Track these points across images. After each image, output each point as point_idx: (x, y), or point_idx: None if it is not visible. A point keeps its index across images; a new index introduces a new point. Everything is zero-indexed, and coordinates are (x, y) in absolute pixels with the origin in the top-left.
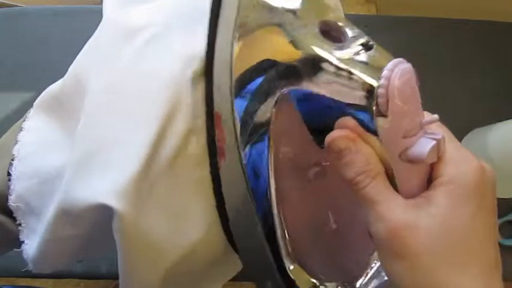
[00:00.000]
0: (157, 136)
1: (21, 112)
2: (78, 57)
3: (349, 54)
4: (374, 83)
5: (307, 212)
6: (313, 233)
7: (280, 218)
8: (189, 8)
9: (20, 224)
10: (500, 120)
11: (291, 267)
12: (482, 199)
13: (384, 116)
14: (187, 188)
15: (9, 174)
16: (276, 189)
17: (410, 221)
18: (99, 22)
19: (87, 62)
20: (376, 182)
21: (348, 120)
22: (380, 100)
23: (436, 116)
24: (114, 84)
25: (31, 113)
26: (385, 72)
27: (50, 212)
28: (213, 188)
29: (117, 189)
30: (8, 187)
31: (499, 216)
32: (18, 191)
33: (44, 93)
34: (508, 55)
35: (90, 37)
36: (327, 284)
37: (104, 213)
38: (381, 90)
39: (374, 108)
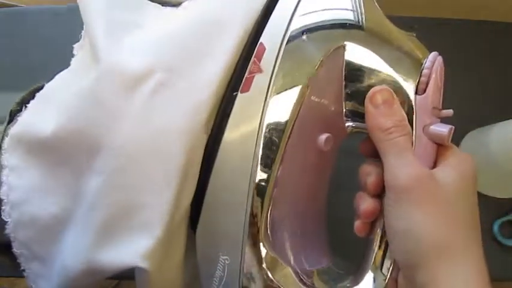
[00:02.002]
0: (177, 194)
1: None
2: (75, 107)
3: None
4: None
5: (300, 181)
6: (298, 206)
7: (276, 177)
8: (186, 43)
9: (24, 270)
10: (500, 120)
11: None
12: (476, 188)
13: (420, 93)
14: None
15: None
16: (287, 141)
17: (433, 174)
18: None
19: (91, 117)
20: (408, 137)
21: (387, 88)
22: (422, 79)
23: (451, 111)
24: (126, 145)
25: (6, 144)
26: (430, 58)
27: (71, 271)
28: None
29: (145, 252)
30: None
31: (499, 216)
32: (20, 238)
33: (24, 128)
34: (508, 55)
35: None
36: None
37: (128, 268)
38: (425, 71)
39: (415, 84)
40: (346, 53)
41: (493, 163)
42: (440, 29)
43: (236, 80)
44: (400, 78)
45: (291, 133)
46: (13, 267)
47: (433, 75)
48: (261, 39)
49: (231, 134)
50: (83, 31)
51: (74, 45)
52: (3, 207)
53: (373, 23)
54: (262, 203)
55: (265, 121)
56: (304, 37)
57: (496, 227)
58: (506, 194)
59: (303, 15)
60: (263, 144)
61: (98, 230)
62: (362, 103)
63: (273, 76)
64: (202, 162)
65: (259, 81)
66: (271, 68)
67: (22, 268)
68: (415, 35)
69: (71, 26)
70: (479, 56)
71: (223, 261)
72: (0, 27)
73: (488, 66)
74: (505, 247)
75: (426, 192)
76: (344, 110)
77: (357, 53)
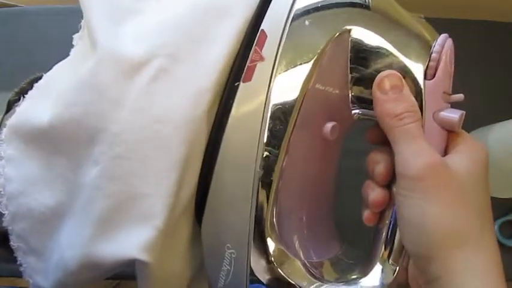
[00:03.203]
0: (177, 184)
1: None
2: (72, 94)
3: None
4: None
5: (306, 171)
6: (304, 196)
7: (281, 167)
8: (187, 29)
9: (21, 264)
10: (501, 120)
11: (268, 235)
12: (487, 173)
13: (429, 77)
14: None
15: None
16: (292, 130)
17: (445, 162)
18: None
19: (88, 104)
20: (419, 123)
21: (395, 72)
22: (431, 63)
23: (461, 95)
24: (124, 133)
25: (4, 135)
26: (439, 41)
27: (70, 264)
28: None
29: (146, 244)
30: None
31: (499, 216)
32: (16, 231)
33: (22, 119)
34: (508, 55)
35: None
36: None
37: (129, 261)
38: (434, 55)
39: (424, 68)
40: (351, 36)
41: (493, 163)
42: (440, 29)
43: (237, 69)
44: (409, 62)
45: (295, 123)
46: (11, 262)
47: (443, 59)
48: (262, 26)
49: (234, 125)
50: (82, 21)
51: (74, 36)
52: (0, 200)
53: (380, 3)
54: (268, 194)
55: (269, 111)
56: (307, 22)
57: (496, 227)
58: (506, 194)
59: None
60: (267, 134)
61: (97, 222)
62: (369, 89)
63: (276, 64)
64: (205, 154)
65: (262, 70)
66: (274, 55)
67: (19, 263)
68: (423, 17)
69: (71, 26)
70: (479, 56)
71: (229, 255)
72: (0, 27)
73: (488, 66)
74: (505, 247)
75: (440, 180)
76: (350, 97)
77: (363, 36)
